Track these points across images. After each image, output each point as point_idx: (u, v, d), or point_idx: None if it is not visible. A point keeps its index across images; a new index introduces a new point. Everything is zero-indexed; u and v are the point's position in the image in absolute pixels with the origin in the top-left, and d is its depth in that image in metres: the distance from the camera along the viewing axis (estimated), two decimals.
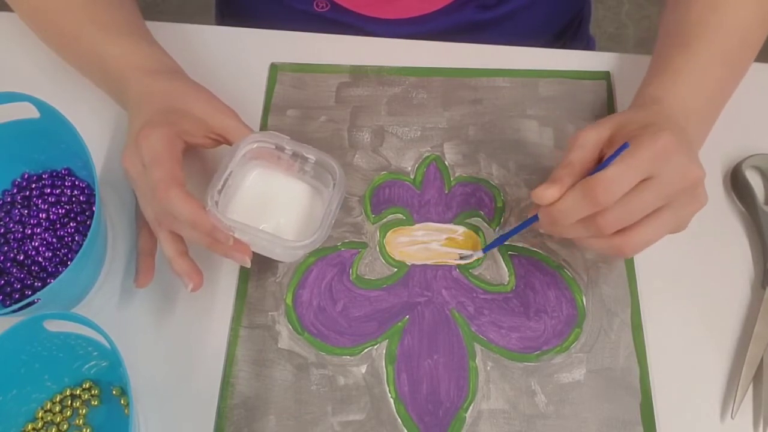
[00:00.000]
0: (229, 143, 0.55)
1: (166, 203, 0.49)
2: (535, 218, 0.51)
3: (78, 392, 0.54)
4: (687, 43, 0.56)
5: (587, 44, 0.87)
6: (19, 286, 0.56)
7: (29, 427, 0.53)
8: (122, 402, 0.54)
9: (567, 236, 0.51)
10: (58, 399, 0.54)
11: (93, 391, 0.54)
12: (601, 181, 0.46)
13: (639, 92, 0.57)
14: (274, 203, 0.55)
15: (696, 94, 0.55)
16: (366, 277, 0.58)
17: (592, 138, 0.50)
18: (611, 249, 0.49)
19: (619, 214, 0.47)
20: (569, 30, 0.82)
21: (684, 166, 0.48)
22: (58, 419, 0.53)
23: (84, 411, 0.54)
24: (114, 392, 0.54)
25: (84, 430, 0.53)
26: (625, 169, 0.47)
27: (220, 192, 0.52)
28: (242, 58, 0.67)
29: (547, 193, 0.48)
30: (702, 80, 0.55)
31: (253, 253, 0.53)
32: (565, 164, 0.50)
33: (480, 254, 0.58)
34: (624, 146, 0.47)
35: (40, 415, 0.53)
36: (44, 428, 0.53)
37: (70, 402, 0.54)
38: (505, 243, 0.58)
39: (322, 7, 0.70)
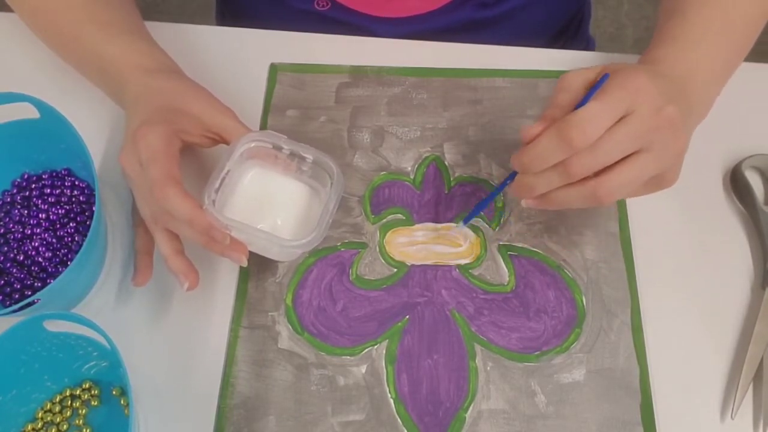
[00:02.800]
0: (227, 143, 0.55)
1: (162, 201, 0.49)
2: (513, 177, 0.50)
3: (78, 392, 0.54)
4: (683, 11, 0.56)
5: (587, 45, 0.87)
6: (18, 286, 0.56)
7: (29, 427, 0.53)
8: (122, 402, 0.54)
9: (541, 191, 0.49)
10: (57, 399, 0.54)
11: (93, 392, 0.54)
12: (574, 121, 0.45)
13: (639, 60, 0.57)
14: (271, 203, 0.55)
15: (697, 57, 0.54)
16: (366, 277, 0.58)
17: (578, 80, 0.49)
18: (585, 196, 0.47)
19: (592, 155, 0.45)
20: (569, 30, 0.82)
21: (660, 105, 0.46)
22: (57, 419, 0.53)
23: (84, 411, 0.54)
24: (114, 392, 0.54)
25: (84, 430, 0.53)
26: (600, 107, 0.45)
27: (217, 191, 0.52)
28: (242, 59, 0.67)
29: (531, 130, 0.48)
30: (701, 45, 0.54)
31: (252, 253, 0.53)
32: (550, 106, 0.49)
33: (462, 227, 0.58)
34: (605, 76, 0.46)
35: (39, 415, 0.53)
36: (44, 428, 0.53)
37: (69, 402, 0.54)
38: (505, 243, 0.58)
39: (323, 6, 0.70)
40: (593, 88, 0.47)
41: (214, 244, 0.51)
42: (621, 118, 0.46)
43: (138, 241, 0.57)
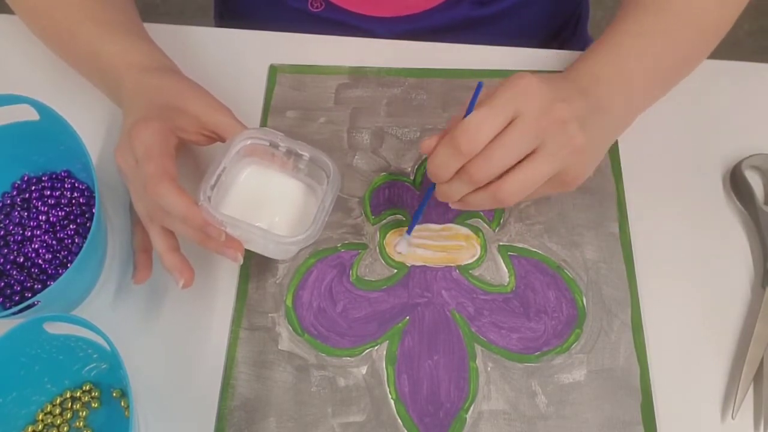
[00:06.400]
0: (223, 140, 0.55)
1: (157, 197, 0.49)
2: (434, 187, 0.51)
3: (78, 394, 0.54)
4: (620, 18, 0.57)
5: (585, 44, 0.87)
6: (19, 288, 0.56)
7: (29, 429, 0.53)
8: (122, 404, 0.54)
9: (456, 198, 0.50)
10: (58, 401, 0.54)
11: (93, 393, 0.54)
12: (462, 129, 0.45)
13: None
14: (267, 200, 0.55)
15: (607, 63, 0.54)
16: (366, 278, 0.58)
17: (482, 93, 0.49)
18: (490, 199, 0.48)
19: (486, 160, 0.46)
20: (566, 29, 0.82)
21: (549, 104, 0.47)
22: (58, 421, 0.53)
23: (84, 413, 0.54)
24: (114, 394, 0.54)
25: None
26: (485, 111, 0.45)
27: (213, 187, 0.51)
28: (242, 60, 0.67)
29: (428, 142, 0.49)
30: (618, 50, 0.55)
31: (252, 254, 0.53)
32: (451, 120, 0.50)
33: (407, 236, 0.57)
34: (479, 86, 0.47)
35: (40, 417, 0.53)
36: (44, 430, 0.53)
37: (70, 404, 0.54)
38: (505, 243, 0.58)
39: (317, 7, 0.70)
40: (473, 96, 0.48)
41: (209, 241, 0.51)
42: (512, 121, 0.46)
43: (136, 240, 0.57)
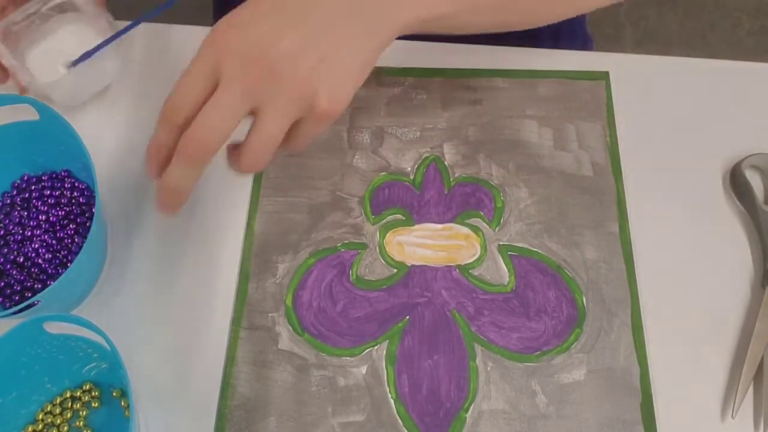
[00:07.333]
0: None
1: None
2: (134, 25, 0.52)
3: (78, 394, 0.54)
4: None
5: (584, 43, 0.87)
6: (18, 288, 0.56)
7: (29, 429, 0.53)
8: (122, 404, 0.54)
9: (184, 186, 0.43)
10: (58, 401, 0.54)
11: (93, 393, 0.54)
12: (167, 98, 0.41)
13: None
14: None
15: None
16: (366, 277, 0.58)
17: None
18: (234, 168, 0.43)
19: (202, 129, 0.40)
20: (563, 27, 0.81)
21: (250, 48, 0.40)
22: (58, 421, 0.53)
23: (84, 413, 0.54)
24: (114, 394, 0.54)
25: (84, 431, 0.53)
26: (183, 78, 0.41)
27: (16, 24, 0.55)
28: None
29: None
30: None
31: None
32: None
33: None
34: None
35: (40, 417, 0.53)
36: (44, 430, 0.53)
37: (70, 404, 0.54)
38: (505, 243, 0.58)
39: None
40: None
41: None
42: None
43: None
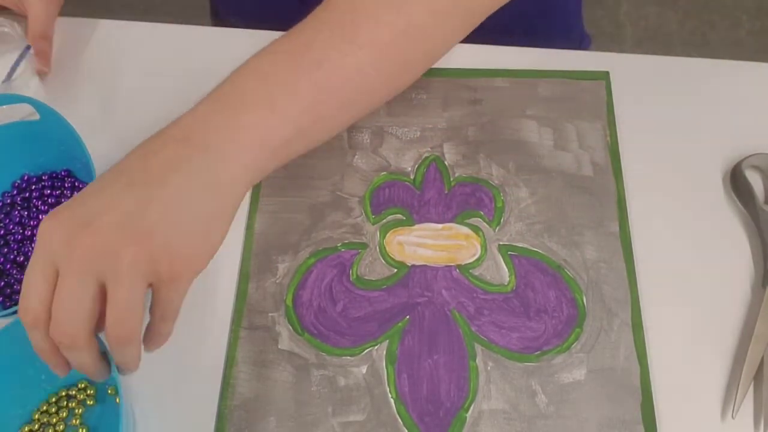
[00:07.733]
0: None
1: None
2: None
3: (73, 392, 0.54)
4: None
5: (581, 42, 0.86)
6: (18, 287, 0.56)
7: (26, 428, 0.53)
8: (117, 401, 0.54)
9: (89, 369, 0.44)
10: (53, 399, 0.54)
11: (88, 391, 0.54)
12: (20, 301, 0.41)
13: None
14: None
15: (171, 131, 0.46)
16: (366, 277, 0.58)
17: None
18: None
19: (58, 327, 0.40)
20: (555, 24, 0.80)
21: (71, 238, 0.40)
22: (54, 420, 0.53)
23: (80, 411, 0.54)
24: (109, 391, 0.54)
25: (80, 430, 0.53)
26: (26, 276, 0.40)
27: None
28: (241, 59, 0.67)
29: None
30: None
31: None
32: None
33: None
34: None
35: (36, 416, 0.53)
36: (41, 429, 0.53)
37: (66, 402, 0.54)
38: (505, 243, 0.58)
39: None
40: None
41: None
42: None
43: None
